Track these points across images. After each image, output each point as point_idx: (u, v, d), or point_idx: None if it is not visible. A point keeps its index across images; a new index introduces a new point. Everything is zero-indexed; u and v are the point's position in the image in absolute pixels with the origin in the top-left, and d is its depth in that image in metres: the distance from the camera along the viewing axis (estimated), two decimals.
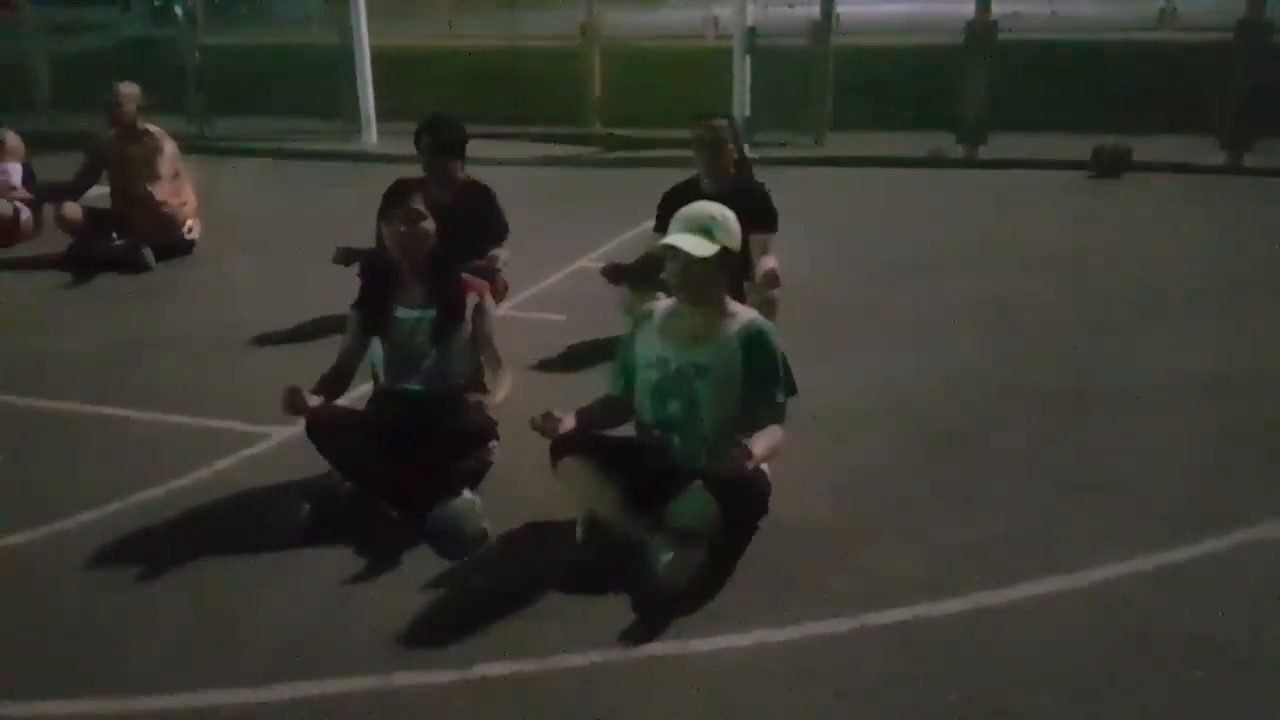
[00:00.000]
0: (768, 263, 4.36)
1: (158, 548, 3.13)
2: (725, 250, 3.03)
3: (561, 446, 3.04)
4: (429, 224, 3.41)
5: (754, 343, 3.06)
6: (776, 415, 3.04)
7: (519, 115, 10.56)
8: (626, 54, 11.08)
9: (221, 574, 3.01)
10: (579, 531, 3.11)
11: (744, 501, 2.99)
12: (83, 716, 2.42)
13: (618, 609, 2.78)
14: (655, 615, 2.73)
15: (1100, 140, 8.91)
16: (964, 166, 9.42)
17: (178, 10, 11.45)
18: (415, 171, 4.67)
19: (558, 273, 6.10)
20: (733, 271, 3.17)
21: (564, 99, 10.85)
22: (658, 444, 3.13)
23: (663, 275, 3.19)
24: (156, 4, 16.61)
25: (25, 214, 6.85)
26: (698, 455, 3.05)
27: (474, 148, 5.16)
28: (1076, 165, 8.91)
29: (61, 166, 6.77)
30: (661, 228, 4.39)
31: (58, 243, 6.44)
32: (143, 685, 2.49)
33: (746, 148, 5.23)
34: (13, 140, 7.07)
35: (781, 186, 4.98)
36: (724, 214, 3.09)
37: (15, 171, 6.97)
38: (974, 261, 6.23)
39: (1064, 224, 7.36)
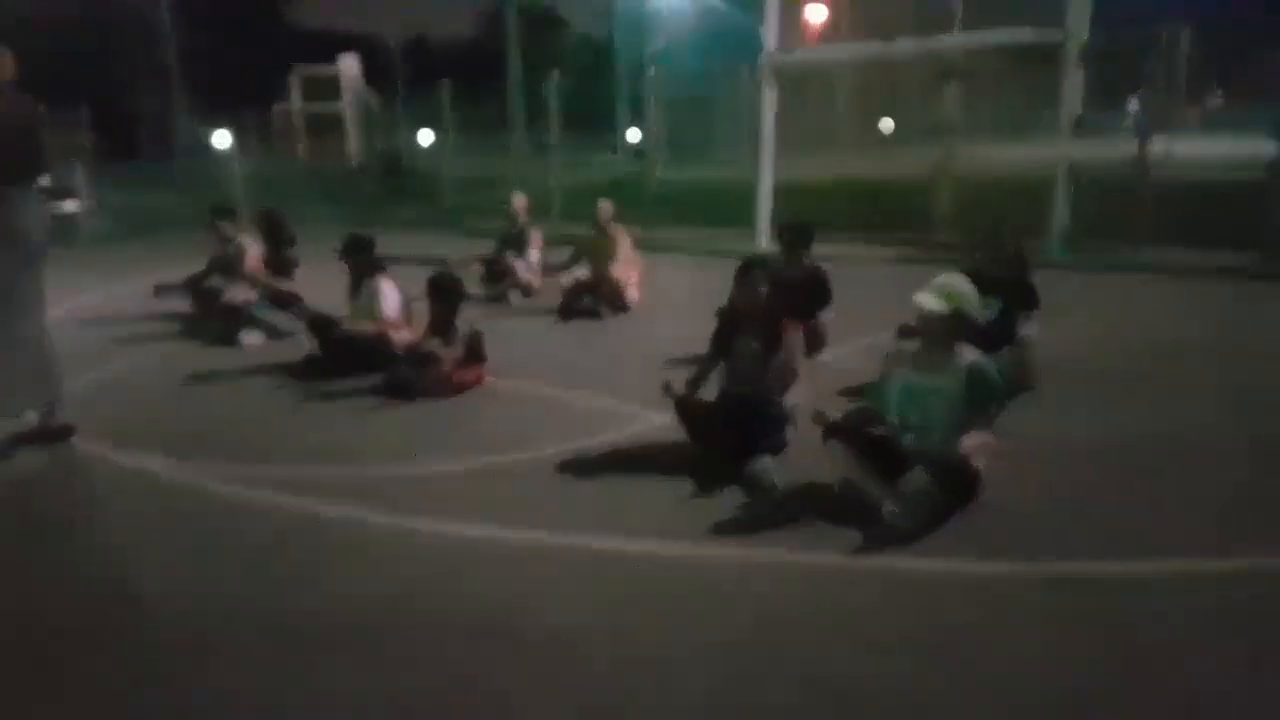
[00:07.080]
0: (1028, 327, 4.88)
1: (591, 472, 4.40)
2: (960, 311, 3.65)
3: (832, 433, 3.80)
4: (763, 288, 4.37)
5: (974, 375, 3.64)
6: (987, 425, 3.60)
7: (877, 226, 11.43)
8: (975, 184, 11.52)
9: (623, 484, 4.24)
10: (836, 487, 3.83)
11: (953, 481, 3.56)
12: None
13: (852, 538, 3.54)
14: (878, 542, 3.48)
15: None
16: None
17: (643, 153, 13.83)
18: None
19: (875, 336, 6.65)
20: (970, 326, 3.75)
21: (916, 216, 11.57)
22: (898, 438, 3.79)
23: None
24: (633, 153, 19.92)
25: (537, 283, 8.91)
26: (925, 449, 3.66)
27: (836, 248, 6.13)
28: None
29: (560, 254, 8.74)
30: None
31: (554, 299, 8.32)
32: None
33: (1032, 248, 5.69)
34: (536, 234, 9.16)
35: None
36: (962, 284, 3.72)
37: (534, 256, 9.06)
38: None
39: None
